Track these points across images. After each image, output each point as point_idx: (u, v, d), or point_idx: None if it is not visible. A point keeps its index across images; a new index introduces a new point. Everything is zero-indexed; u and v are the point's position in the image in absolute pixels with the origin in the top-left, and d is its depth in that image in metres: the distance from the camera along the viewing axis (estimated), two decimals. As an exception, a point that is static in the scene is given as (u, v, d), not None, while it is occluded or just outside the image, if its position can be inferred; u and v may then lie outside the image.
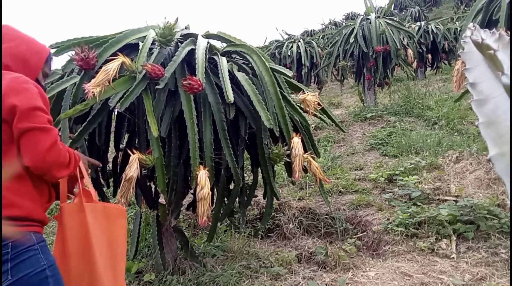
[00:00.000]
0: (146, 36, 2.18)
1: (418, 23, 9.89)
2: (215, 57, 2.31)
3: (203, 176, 1.91)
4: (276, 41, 10.72)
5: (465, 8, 16.96)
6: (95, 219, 1.50)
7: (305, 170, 2.49)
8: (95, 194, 1.63)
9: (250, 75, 2.32)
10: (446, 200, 3.41)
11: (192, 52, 2.17)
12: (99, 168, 2.30)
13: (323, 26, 16.78)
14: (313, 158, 2.43)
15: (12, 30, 1.53)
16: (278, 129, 2.24)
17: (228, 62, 2.30)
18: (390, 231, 3.06)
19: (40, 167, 1.30)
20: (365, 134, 5.97)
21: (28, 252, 1.28)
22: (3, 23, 1.48)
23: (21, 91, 1.31)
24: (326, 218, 3.52)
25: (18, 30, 1.55)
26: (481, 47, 0.71)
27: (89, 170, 1.67)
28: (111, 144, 2.49)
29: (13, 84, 1.32)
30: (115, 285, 1.51)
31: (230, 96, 2.01)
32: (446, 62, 10.02)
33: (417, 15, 17.98)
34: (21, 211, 1.30)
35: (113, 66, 1.83)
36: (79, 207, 1.50)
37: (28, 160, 1.28)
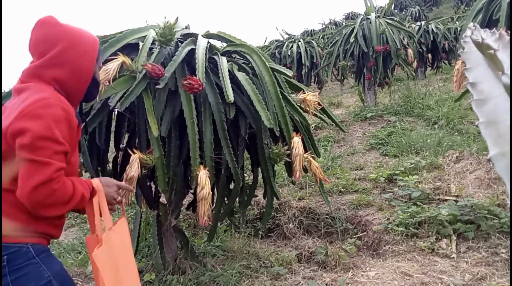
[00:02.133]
0: (146, 35, 2.18)
1: (418, 23, 9.89)
2: (215, 57, 2.31)
3: (203, 176, 1.91)
4: (276, 41, 10.72)
5: (465, 8, 16.94)
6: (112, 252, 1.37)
7: (305, 169, 2.50)
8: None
9: (250, 75, 2.32)
10: (446, 200, 3.41)
11: (192, 52, 2.17)
12: (99, 168, 2.30)
13: (323, 26, 16.80)
14: (313, 157, 2.43)
15: (54, 26, 1.27)
16: (278, 129, 2.24)
17: (228, 62, 2.30)
18: (390, 231, 3.06)
19: (24, 202, 1.19)
20: (365, 134, 5.97)
21: (27, 266, 1.24)
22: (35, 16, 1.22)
23: (34, 117, 1.19)
24: (326, 218, 3.52)
25: (60, 24, 1.28)
26: (481, 46, 0.71)
27: (120, 198, 1.49)
28: (111, 143, 2.49)
29: (30, 108, 1.21)
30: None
31: (230, 96, 2.01)
32: (446, 61, 10.03)
33: (417, 15, 17.97)
34: (15, 222, 1.24)
35: (113, 66, 1.84)
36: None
37: (17, 191, 1.19)
